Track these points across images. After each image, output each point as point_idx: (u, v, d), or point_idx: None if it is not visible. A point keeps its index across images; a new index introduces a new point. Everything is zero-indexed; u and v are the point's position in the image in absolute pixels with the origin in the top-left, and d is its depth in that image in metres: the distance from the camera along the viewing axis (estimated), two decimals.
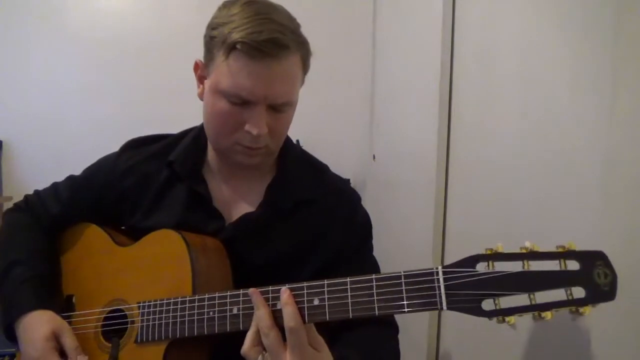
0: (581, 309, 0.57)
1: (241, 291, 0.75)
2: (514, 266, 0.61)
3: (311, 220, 0.91)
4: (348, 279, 0.69)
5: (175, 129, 1.05)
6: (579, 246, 0.83)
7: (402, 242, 1.59)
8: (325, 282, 0.70)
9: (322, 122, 2.01)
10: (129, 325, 0.84)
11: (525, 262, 0.60)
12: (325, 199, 0.93)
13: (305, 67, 0.84)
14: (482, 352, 1.09)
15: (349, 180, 1.03)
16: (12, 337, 0.86)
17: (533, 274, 0.59)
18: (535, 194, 0.94)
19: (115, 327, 0.85)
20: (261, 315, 0.69)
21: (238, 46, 0.76)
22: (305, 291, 0.71)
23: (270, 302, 0.71)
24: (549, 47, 0.91)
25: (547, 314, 0.58)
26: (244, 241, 0.89)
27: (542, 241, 0.93)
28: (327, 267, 0.90)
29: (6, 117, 2.00)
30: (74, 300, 0.91)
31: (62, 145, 1.97)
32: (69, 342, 0.82)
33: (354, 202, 0.98)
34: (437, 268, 0.64)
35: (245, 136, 0.81)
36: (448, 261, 1.33)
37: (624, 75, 0.73)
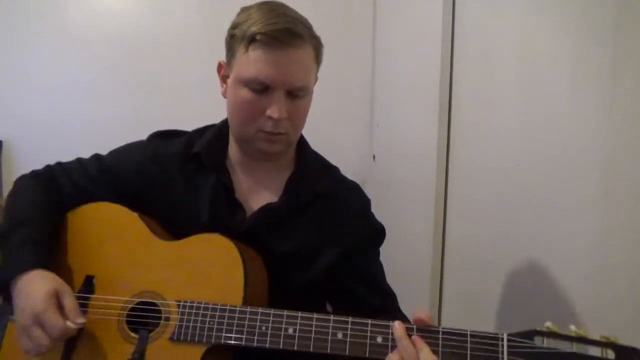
0: None
1: (300, 314, 0.77)
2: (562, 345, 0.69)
3: (329, 213, 0.96)
4: (414, 327, 0.73)
5: (177, 128, 1.05)
6: (579, 248, 0.83)
7: (402, 242, 1.59)
8: (391, 323, 0.74)
9: (322, 122, 2.00)
10: (162, 321, 0.83)
11: (574, 344, 0.68)
12: (341, 193, 0.99)
13: (318, 59, 0.91)
14: None
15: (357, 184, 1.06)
16: (5, 294, 0.85)
17: (580, 356, 0.67)
18: (535, 194, 0.94)
19: (142, 320, 0.84)
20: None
21: (257, 37, 0.82)
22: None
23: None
24: (549, 48, 0.91)
25: None
26: (265, 232, 0.93)
27: (541, 240, 0.93)
28: (346, 257, 0.95)
29: (6, 117, 1.99)
30: (94, 281, 0.89)
31: (63, 146, 1.96)
32: (70, 302, 0.80)
33: (367, 201, 1.03)
34: (502, 334, 0.71)
35: (267, 122, 0.86)
36: (448, 262, 1.33)
37: (624, 75, 0.73)
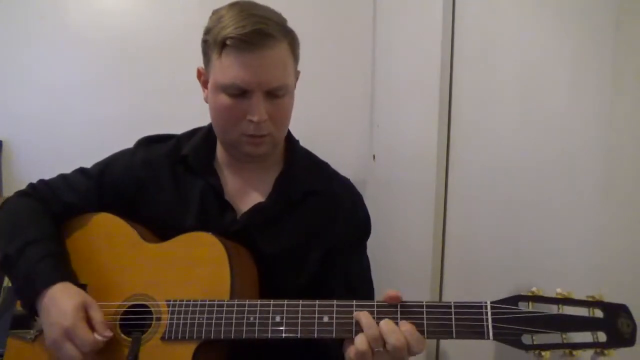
0: (606, 351, 0.65)
1: (285, 301, 0.78)
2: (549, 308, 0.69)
3: (318, 210, 0.95)
4: (399, 304, 0.74)
5: (176, 129, 1.05)
6: (579, 248, 0.83)
7: (402, 242, 1.59)
8: (375, 302, 0.75)
9: (322, 122, 2.00)
10: (153, 322, 0.83)
11: (560, 306, 0.68)
12: (331, 189, 0.98)
13: (294, 54, 0.90)
14: (482, 351, 1.09)
15: (348, 179, 1.05)
16: (30, 311, 0.85)
17: (567, 317, 0.67)
18: (535, 194, 0.94)
19: (135, 322, 0.84)
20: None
21: (227, 42, 0.82)
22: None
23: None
24: (549, 47, 0.92)
25: (578, 352, 0.66)
26: (256, 231, 0.92)
27: (541, 240, 0.93)
28: (328, 254, 0.94)
29: (6, 117, 1.99)
30: (87, 290, 0.89)
31: (62, 145, 1.97)
32: (97, 315, 0.81)
33: (357, 196, 1.03)
34: (485, 302, 0.71)
35: (249, 125, 0.86)
36: (448, 262, 1.33)
37: (624, 75, 0.73)
